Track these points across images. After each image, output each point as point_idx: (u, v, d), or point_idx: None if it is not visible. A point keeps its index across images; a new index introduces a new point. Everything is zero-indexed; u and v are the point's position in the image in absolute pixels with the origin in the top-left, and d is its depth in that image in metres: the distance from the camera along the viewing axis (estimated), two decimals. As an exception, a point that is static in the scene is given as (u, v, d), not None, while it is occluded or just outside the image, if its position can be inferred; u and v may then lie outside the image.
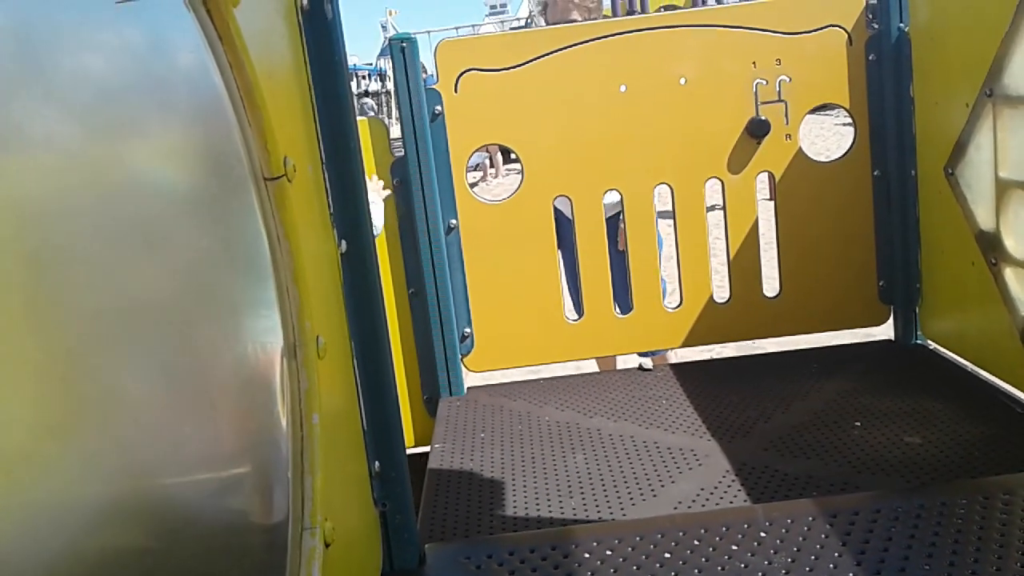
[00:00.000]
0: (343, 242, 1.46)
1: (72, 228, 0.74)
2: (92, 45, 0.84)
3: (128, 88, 0.89)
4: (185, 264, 0.97)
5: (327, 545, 1.17)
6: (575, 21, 3.44)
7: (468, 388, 2.83)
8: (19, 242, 0.66)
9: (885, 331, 2.90)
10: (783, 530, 1.60)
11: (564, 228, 2.77)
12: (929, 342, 2.76)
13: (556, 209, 2.79)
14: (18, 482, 0.62)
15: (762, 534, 1.60)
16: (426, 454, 2.41)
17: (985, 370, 2.43)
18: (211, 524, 0.96)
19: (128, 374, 0.81)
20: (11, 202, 0.65)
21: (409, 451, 2.70)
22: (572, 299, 2.93)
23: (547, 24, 3.66)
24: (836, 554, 1.52)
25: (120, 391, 0.79)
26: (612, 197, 2.77)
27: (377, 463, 1.53)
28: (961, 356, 2.57)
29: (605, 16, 3.90)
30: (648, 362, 2.89)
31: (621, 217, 3.50)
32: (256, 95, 1.13)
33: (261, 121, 1.15)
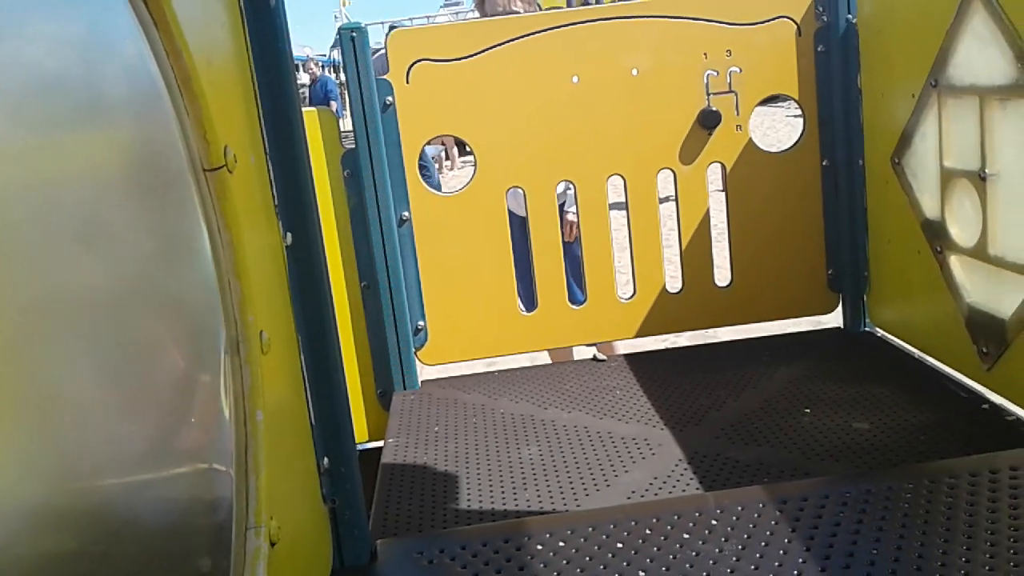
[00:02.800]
0: (288, 235, 1.44)
1: (4, 220, 0.71)
2: (20, 32, 0.81)
3: (59, 76, 0.86)
4: (122, 258, 0.94)
5: (272, 544, 1.15)
6: (515, 13, 3.41)
7: (422, 382, 2.81)
8: None
9: (834, 319, 2.94)
10: (734, 517, 1.61)
11: (513, 225, 2.76)
12: (877, 329, 2.80)
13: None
14: None
15: (713, 521, 1.61)
16: (380, 449, 2.39)
17: (931, 356, 2.48)
18: (152, 525, 0.94)
19: (63, 371, 0.79)
20: None
21: (363, 446, 2.70)
22: (521, 296, 2.91)
23: (483, 16, 3.62)
24: (786, 540, 1.54)
25: (55, 389, 0.77)
26: (557, 187, 2.76)
27: (326, 459, 1.51)
28: (908, 343, 2.61)
29: (558, 7, 3.89)
30: (602, 354, 2.90)
31: (566, 207, 3.49)
32: (194, 83, 1.10)
33: (200, 110, 1.12)
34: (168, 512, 0.98)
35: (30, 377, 0.72)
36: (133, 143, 1.02)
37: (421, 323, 2.75)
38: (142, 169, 1.03)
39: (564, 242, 2.84)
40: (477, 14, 3.79)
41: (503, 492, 2.03)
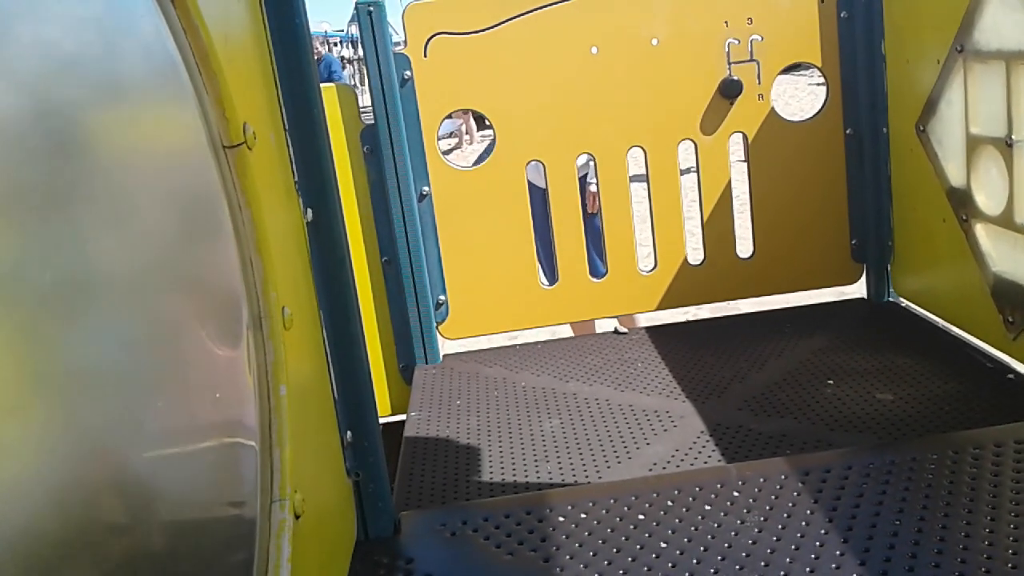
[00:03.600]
0: (309, 211, 1.44)
1: (24, 200, 0.72)
2: (37, 13, 0.81)
3: (77, 56, 0.86)
4: (142, 236, 0.95)
5: (297, 517, 1.17)
6: None
7: (444, 356, 2.83)
8: None
9: (858, 289, 2.91)
10: (756, 489, 1.61)
11: (534, 196, 2.75)
12: (901, 299, 2.78)
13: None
14: None
15: (735, 493, 1.61)
16: (402, 422, 2.41)
17: (956, 326, 2.46)
18: (178, 500, 0.95)
19: (87, 350, 0.80)
20: None
21: (385, 420, 2.72)
22: (543, 268, 2.91)
23: None
24: (808, 511, 1.54)
25: (80, 367, 0.78)
26: (579, 159, 2.75)
27: (349, 433, 1.53)
28: (933, 313, 2.59)
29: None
30: (623, 327, 2.89)
31: (588, 179, 3.48)
32: (212, 60, 1.11)
33: (218, 87, 1.12)
34: (193, 486, 1.00)
35: (55, 356, 0.73)
36: (152, 121, 1.03)
37: (442, 297, 2.76)
38: (163, 147, 1.04)
39: (587, 214, 2.83)
40: None
41: (525, 464, 2.04)
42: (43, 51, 0.80)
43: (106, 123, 0.91)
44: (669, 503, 1.60)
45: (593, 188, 3.34)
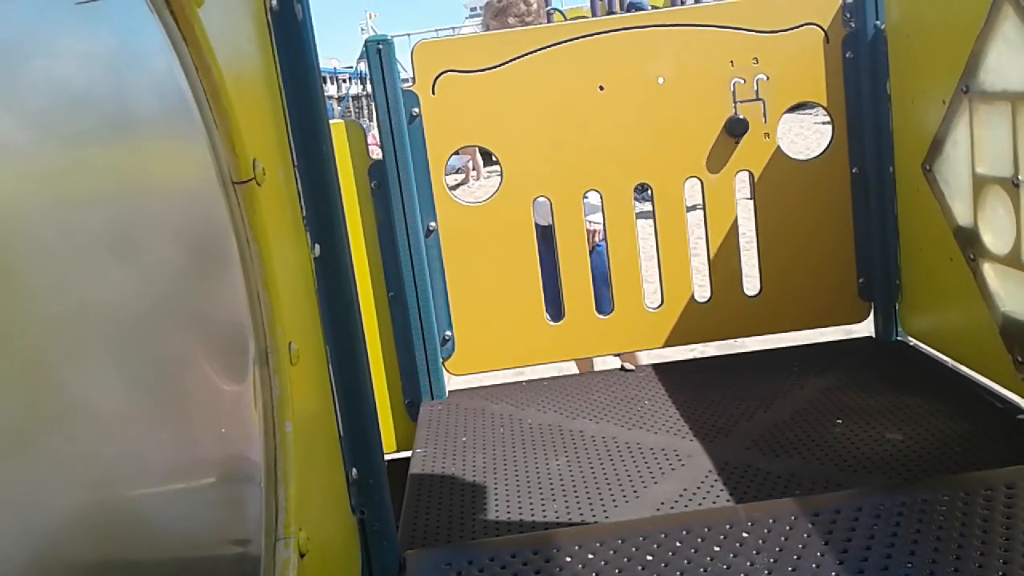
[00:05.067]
0: (317, 246, 1.44)
1: (35, 235, 0.72)
2: (52, 48, 0.82)
3: (90, 92, 0.87)
4: (152, 270, 0.95)
5: (302, 555, 1.15)
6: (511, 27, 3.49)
7: (449, 391, 2.81)
8: None
9: (866, 328, 2.90)
10: (765, 530, 1.59)
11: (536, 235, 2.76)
12: (909, 338, 2.77)
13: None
14: None
15: (744, 534, 1.59)
16: (408, 459, 2.39)
17: (965, 366, 2.44)
18: (181, 536, 0.94)
19: (94, 383, 0.79)
20: None
21: (391, 456, 2.70)
22: (547, 307, 2.88)
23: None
24: (818, 553, 1.51)
25: (85, 401, 0.77)
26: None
27: (355, 470, 1.51)
28: (941, 352, 2.57)
29: (583, 16, 3.92)
30: (629, 364, 2.88)
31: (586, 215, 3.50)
32: (223, 98, 1.11)
33: (228, 124, 1.13)
34: (198, 523, 0.99)
35: (61, 389, 0.73)
36: (163, 157, 1.03)
37: (448, 333, 2.75)
38: (172, 182, 1.04)
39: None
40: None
41: (531, 503, 2.02)
42: (56, 87, 0.80)
43: (117, 158, 0.91)
44: (678, 544, 1.58)
45: (590, 226, 3.35)
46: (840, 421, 2.26)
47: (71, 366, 0.75)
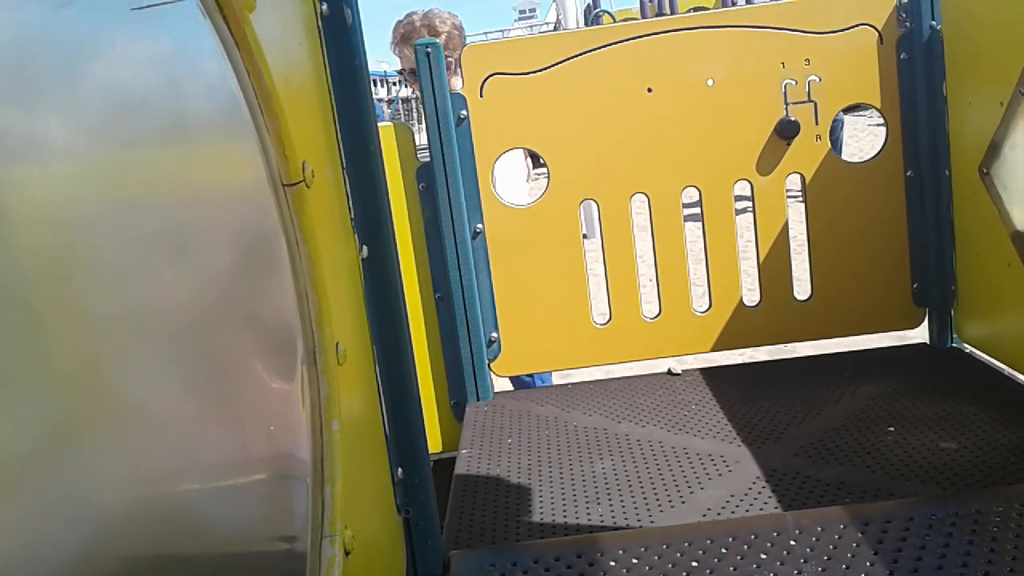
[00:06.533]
0: (364, 247, 1.46)
1: (92, 236, 0.74)
2: (107, 53, 0.84)
3: (144, 95, 0.89)
4: (204, 271, 0.97)
5: (347, 553, 1.17)
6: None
7: (495, 393, 2.82)
8: (41, 251, 0.66)
9: (920, 334, 2.84)
10: (813, 538, 1.57)
11: None
12: (965, 345, 2.70)
13: None
14: (35, 486, 0.61)
15: (792, 542, 1.57)
16: (453, 459, 2.40)
17: (1022, 373, 2.38)
18: (229, 532, 0.96)
19: (146, 381, 0.81)
20: (32, 212, 0.65)
21: (436, 456, 2.72)
22: None
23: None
24: (868, 563, 1.49)
25: (141, 398, 0.79)
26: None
27: (400, 469, 1.53)
28: (998, 359, 2.51)
29: (632, 18, 3.90)
30: (677, 367, 2.86)
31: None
32: (274, 102, 1.13)
33: (279, 127, 1.15)
34: (246, 519, 1.00)
35: (116, 387, 0.75)
36: (215, 159, 1.05)
37: (494, 335, 2.76)
38: (224, 185, 1.06)
39: None
40: (550, 28, 3.83)
41: (576, 506, 2.01)
42: (113, 91, 0.82)
43: (172, 161, 0.93)
44: (723, 550, 1.57)
45: None
46: (892, 429, 2.22)
47: (127, 365, 0.77)
